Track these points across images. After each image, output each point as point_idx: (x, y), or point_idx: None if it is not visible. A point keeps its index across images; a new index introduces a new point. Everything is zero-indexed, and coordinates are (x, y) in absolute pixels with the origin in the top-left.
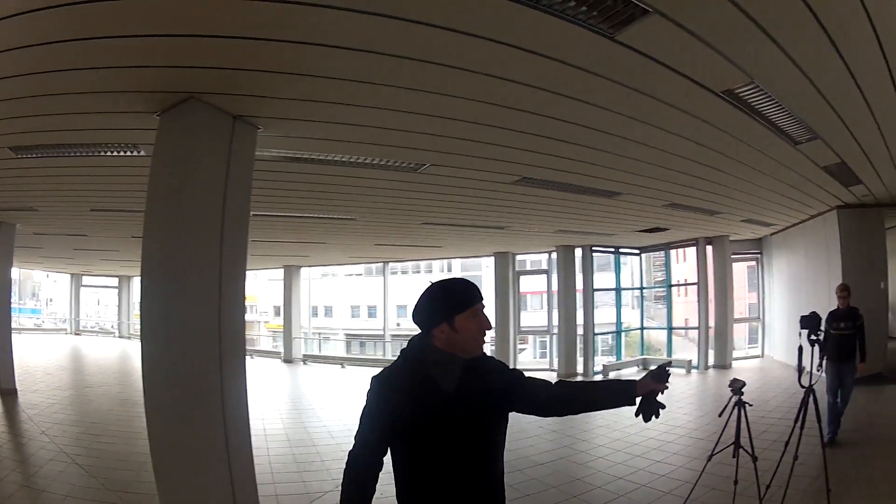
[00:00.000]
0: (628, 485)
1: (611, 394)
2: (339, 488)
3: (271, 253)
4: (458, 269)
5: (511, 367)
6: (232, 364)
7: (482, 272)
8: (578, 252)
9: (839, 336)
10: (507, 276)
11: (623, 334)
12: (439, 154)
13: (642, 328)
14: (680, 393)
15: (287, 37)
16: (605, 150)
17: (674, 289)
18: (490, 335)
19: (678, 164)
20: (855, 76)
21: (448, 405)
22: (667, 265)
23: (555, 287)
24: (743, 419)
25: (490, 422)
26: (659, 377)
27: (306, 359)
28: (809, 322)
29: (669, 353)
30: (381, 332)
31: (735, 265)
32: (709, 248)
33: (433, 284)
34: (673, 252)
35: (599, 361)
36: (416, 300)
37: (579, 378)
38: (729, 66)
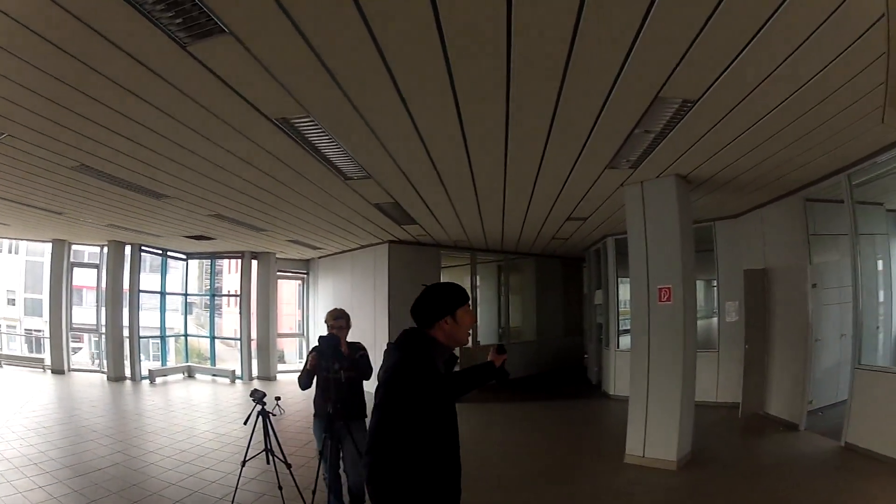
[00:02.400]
0: (182, 491)
1: (483, 373)
2: None
3: None
4: (24, 252)
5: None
6: None
7: (44, 258)
8: (129, 250)
9: (336, 381)
10: (61, 267)
11: (172, 340)
12: (13, 124)
13: (186, 335)
14: (224, 402)
15: None
16: (158, 152)
17: (226, 299)
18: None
19: (226, 178)
20: (420, 130)
21: (447, 389)
22: (212, 274)
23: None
24: (270, 428)
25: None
26: (499, 351)
27: None
28: (328, 342)
29: (213, 362)
30: None
31: (287, 282)
32: (254, 263)
33: (432, 286)
34: (227, 262)
35: (146, 366)
36: (417, 299)
37: (128, 381)
38: (287, 97)
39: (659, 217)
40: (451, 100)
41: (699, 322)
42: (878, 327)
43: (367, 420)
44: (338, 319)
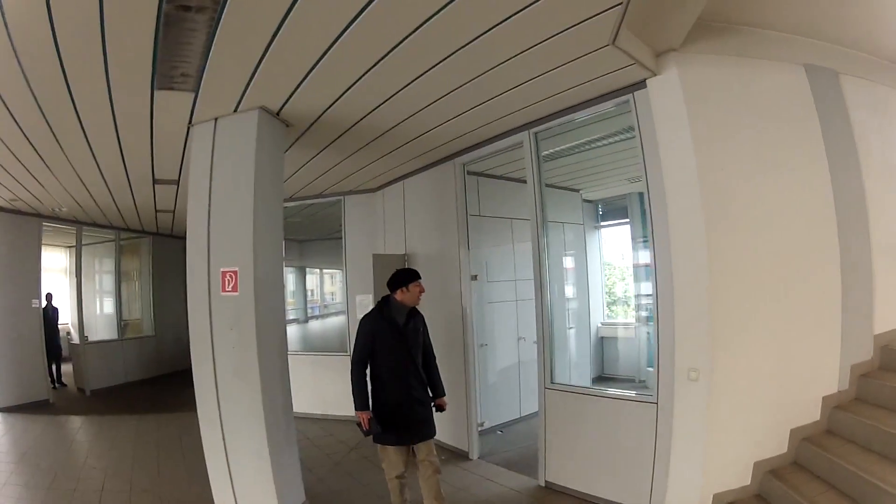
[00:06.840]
0: None
1: (432, 385)
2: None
3: None
4: None
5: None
6: None
7: None
8: None
9: None
10: None
11: None
12: None
13: None
14: None
15: None
16: None
17: None
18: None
19: None
20: None
21: (399, 331)
22: None
23: None
24: None
25: (416, 342)
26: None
27: None
28: None
29: None
30: None
31: None
32: None
33: (400, 269)
34: None
35: None
36: (391, 276)
37: None
38: None
39: (230, 169)
40: None
41: (339, 319)
42: (571, 327)
43: None
44: None
